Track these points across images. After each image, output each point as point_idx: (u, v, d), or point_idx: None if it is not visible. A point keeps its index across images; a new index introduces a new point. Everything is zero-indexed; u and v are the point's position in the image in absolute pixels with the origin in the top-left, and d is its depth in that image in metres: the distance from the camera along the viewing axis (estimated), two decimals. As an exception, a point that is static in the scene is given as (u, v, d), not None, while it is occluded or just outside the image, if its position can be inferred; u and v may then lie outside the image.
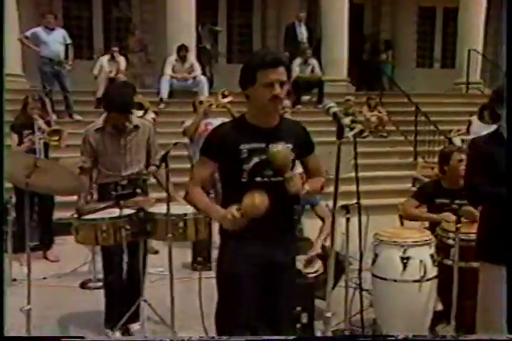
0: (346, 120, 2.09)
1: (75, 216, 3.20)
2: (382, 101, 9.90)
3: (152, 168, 3.49)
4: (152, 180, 3.76)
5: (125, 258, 3.19)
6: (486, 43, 11.79)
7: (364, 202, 7.31)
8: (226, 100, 5.48)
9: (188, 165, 5.00)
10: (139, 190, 3.46)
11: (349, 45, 10.46)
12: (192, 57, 9.34)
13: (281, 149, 2.31)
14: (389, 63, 12.30)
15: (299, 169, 2.67)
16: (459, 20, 11.36)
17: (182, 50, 9.09)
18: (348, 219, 3.34)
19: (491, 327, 2.82)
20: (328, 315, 2.12)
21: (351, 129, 2.07)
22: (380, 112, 9.44)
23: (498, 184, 2.67)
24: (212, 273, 2.61)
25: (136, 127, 3.60)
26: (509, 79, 2.71)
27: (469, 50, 10.83)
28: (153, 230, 3.14)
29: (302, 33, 10.33)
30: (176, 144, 3.14)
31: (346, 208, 3.40)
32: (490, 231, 2.83)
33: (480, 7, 10.97)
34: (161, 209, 3.19)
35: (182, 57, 9.19)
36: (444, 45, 13.54)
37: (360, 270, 3.11)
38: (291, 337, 2.05)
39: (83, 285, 4.65)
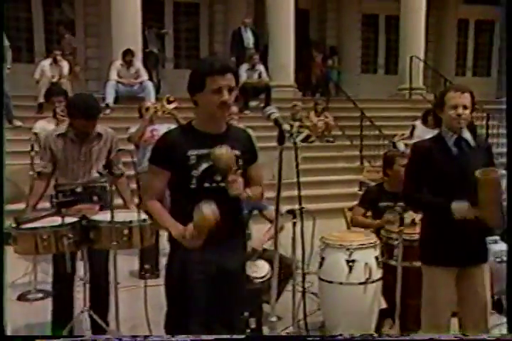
0: (287, 126, 2.10)
1: (13, 225, 3.09)
2: (329, 107, 10.03)
3: (95, 175, 3.41)
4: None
5: (68, 266, 3.10)
6: (427, 50, 12.16)
7: (311, 206, 7.38)
8: (171, 106, 5.42)
9: (133, 172, 4.93)
10: (95, 198, 3.43)
11: (295, 50, 10.58)
12: (138, 62, 9.21)
13: (224, 151, 2.32)
14: (335, 69, 12.51)
15: None
16: (401, 28, 11.66)
17: (128, 54, 8.93)
18: (294, 224, 3.38)
19: (435, 326, 2.89)
20: (273, 319, 2.12)
21: (291, 135, 2.08)
22: (326, 117, 9.56)
23: (437, 188, 2.77)
24: (161, 281, 2.58)
25: (99, 135, 3.55)
26: (509, 79, 2.78)
27: (411, 57, 11.12)
28: (97, 238, 3.07)
29: (249, 38, 10.37)
30: (119, 151, 3.08)
31: (292, 213, 3.44)
32: (429, 235, 2.92)
33: (420, 15, 11.28)
34: (105, 216, 3.12)
35: (128, 62, 9.03)
36: (388, 52, 13.89)
37: (303, 274, 3.14)
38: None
39: (21, 298, 4.46)
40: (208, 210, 2.19)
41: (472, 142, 2.83)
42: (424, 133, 7.98)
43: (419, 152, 2.90)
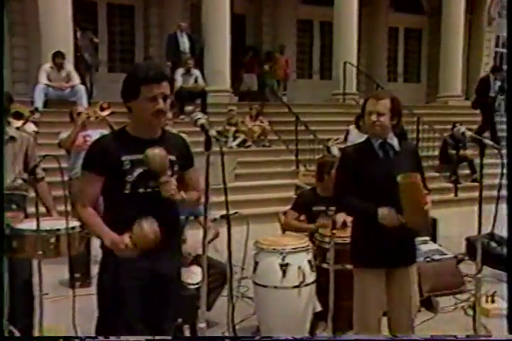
0: (214, 132, 2.10)
1: None
2: (265, 112, 10.10)
3: (18, 182, 3.27)
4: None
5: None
6: (360, 56, 12.46)
7: (248, 211, 7.43)
8: (105, 113, 5.30)
9: (59, 179, 4.77)
10: (14, 206, 3.24)
11: (231, 55, 10.60)
12: (69, 64, 8.93)
13: (157, 152, 2.31)
14: (271, 74, 12.58)
15: None
16: (334, 34, 11.89)
17: (58, 56, 8.62)
18: (228, 229, 3.37)
19: (366, 325, 2.95)
20: (202, 326, 2.10)
21: (217, 140, 2.08)
22: (262, 122, 9.63)
23: (366, 192, 2.83)
24: (93, 290, 2.50)
25: (12, 138, 3.37)
26: (509, 80, 2.82)
27: (345, 63, 11.36)
28: (21, 247, 2.93)
29: (184, 43, 10.31)
30: (45, 157, 2.97)
31: (227, 218, 3.43)
32: (359, 237, 3.01)
33: (352, 22, 11.55)
34: (30, 225, 2.99)
35: (58, 65, 8.71)
36: (322, 57, 14.14)
37: (230, 278, 3.11)
38: None
39: None
40: (150, 229, 2.20)
41: (397, 146, 2.91)
42: (357, 137, 8.16)
43: (347, 156, 2.98)
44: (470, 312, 4.00)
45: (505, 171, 2.55)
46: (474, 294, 2.72)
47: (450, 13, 12.72)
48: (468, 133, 2.68)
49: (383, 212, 2.75)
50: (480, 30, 14.96)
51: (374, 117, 2.83)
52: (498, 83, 11.18)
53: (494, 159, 2.99)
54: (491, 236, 5.93)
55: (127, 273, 2.36)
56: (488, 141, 2.57)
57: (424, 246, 4.93)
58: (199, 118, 2.17)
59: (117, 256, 2.33)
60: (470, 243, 5.54)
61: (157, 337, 2.34)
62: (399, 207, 2.73)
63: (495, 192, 2.72)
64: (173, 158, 2.42)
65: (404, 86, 14.74)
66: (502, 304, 4.23)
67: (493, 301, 4.23)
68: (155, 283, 2.44)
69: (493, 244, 5.84)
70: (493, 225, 2.53)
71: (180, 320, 3.20)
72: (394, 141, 2.92)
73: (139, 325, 2.41)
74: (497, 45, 15.62)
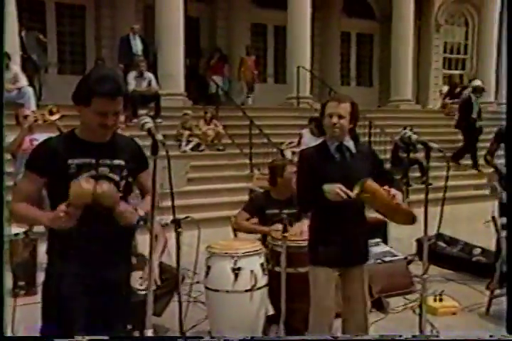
0: (160, 136, 2.07)
1: None
2: (219, 115, 10.08)
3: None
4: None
5: None
6: (313, 60, 12.60)
7: (201, 215, 7.38)
8: (54, 117, 5.17)
9: (11, 183, 4.65)
10: None
11: (185, 59, 10.54)
12: (16, 66, 8.66)
13: (106, 189, 2.20)
14: (226, 78, 12.58)
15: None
16: (288, 38, 11.96)
17: (3, 58, 8.40)
18: (179, 233, 3.34)
19: (320, 325, 2.98)
20: (150, 334, 2.07)
21: (163, 144, 2.06)
22: (216, 126, 9.61)
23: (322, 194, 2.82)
24: (38, 298, 2.43)
25: None
26: (509, 80, 2.82)
27: (298, 67, 11.45)
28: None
29: (137, 45, 10.19)
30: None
31: (178, 222, 3.40)
32: (314, 237, 3.06)
33: (305, 26, 11.64)
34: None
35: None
36: (276, 61, 14.23)
37: (176, 283, 3.10)
38: None
39: None
40: (85, 182, 2.13)
41: (353, 149, 2.96)
42: (310, 140, 8.27)
43: (304, 159, 3.02)
44: (419, 311, 4.07)
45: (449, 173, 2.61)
46: (420, 294, 2.75)
47: (400, 20, 13.00)
48: (414, 137, 2.74)
49: (332, 185, 2.76)
50: (429, 36, 15.38)
51: (335, 119, 2.87)
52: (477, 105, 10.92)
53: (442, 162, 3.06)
54: (440, 236, 6.09)
55: (74, 279, 2.30)
56: (434, 144, 2.62)
57: (376, 248, 5.00)
58: (146, 123, 2.14)
59: (63, 261, 2.28)
60: (420, 244, 5.65)
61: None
62: (356, 210, 2.87)
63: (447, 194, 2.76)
64: (121, 162, 2.36)
65: (357, 90, 14.98)
66: (450, 302, 4.36)
67: (441, 300, 4.33)
68: (102, 290, 2.38)
69: (442, 245, 5.99)
70: (439, 226, 2.58)
71: (130, 326, 3.14)
72: (350, 144, 2.97)
73: (84, 332, 2.34)
74: (445, 51, 16.07)
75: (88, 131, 2.34)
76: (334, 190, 2.73)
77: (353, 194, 2.70)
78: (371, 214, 3.14)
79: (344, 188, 2.73)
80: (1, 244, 2.55)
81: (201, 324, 3.83)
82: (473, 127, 10.77)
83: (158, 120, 9.52)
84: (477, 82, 11.65)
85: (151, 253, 2.09)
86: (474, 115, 10.83)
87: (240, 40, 13.33)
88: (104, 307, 2.41)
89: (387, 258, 4.83)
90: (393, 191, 2.75)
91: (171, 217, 3.29)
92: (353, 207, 2.91)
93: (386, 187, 2.78)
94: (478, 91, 11.08)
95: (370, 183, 2.67)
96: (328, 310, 3.00)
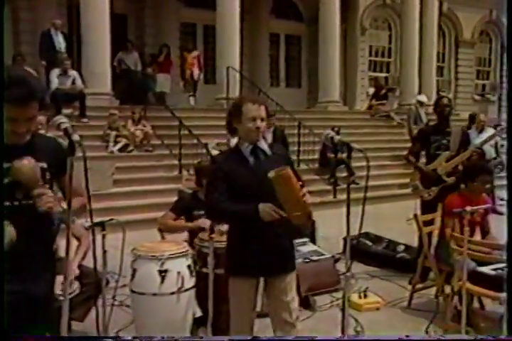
0: (77, 136, 1.99)
1: None
2: (148, 116, 9.92)
3: None
4: None
5: None
6: (242, 61, 12.62)
7: (129, 217, 7.23)
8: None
9: None
10: None
11: (112, 57, 10.30)
12: None
13: (26, 164, 2.11)
14: (155, 77, 12.37)
15: None
16: (217, 38, 11.90)
17: None
18: (104, 236, 3.26)
19: (239, 328, 2.94)
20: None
21: (80, 145, 1.98)
22: (144, 126, 9.44)
23: (239, 199, 2.75)
24: None
25: None
26: (510, 80, 2.77)
27: (228, 67, 11.45)
28: None
29: (60, 42, 9.82)
30: None
31: (102, 225, 3.31)
32: (233, 246, 2.95)
33: (234, 27, 11.62)
34: None
35: None
36: (206, 61, 14.11)
37: (102, 287, 3.02)
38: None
39: None
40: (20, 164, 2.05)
41: (268, 151, 2.87)
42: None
43: (218, 165, 2.90)
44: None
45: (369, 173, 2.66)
46: (343, 290, 2.80)
47: (326, 22, 13.26)
48: (337, 138, 2.75)
49: (264, 208, 2.65)
50: (354, 39, 15.79)
51: (259, 123, 2.78)
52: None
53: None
54: (366, 235, 6.26)
55: None
56: (355, 145, 2.66)
57: (303, 247, 5.07)
58: (62, 123, 2.05)
59: None
60: (346, 243, 5.77)
61: None
62: (279, 219, 2.67)
63: (371, 193, 2.81)
64: (43, 165, 2.22)
65: (286, 91, 15.17)
66: (373, 298, 4.48)
67: (365, 296, 4.45)
68: (24, 298, 2.27)
69: (368, 243, 6.16)
70: (360, 225, 2.62)
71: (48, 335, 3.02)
72: (264, 146, 2.88)
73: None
74: (370, 54, 16.55)
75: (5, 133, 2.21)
76: (266, 211, 2.65)
77: (284, 214, 2.62)
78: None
79: (276, 208, 2.64)
80: (1, 244, 2.40)
81: (127, 328, 3.75)
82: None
83: (84, 120, 9.26)
84: (422, 97, 12.76)
85: (67, 257, 2.00)
86: (423, 122, 11.50)
87: (168, 40, 13.12)
88: (24, 313, 2.30)
89: (315, 257, 4.91)
90: (304, 190, 2.68)
91: (96, 220, 3.21)
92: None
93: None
94: (422, 104, 12.28)
95: (290, 171, 2.59)
96: (246, 315, 2.92)
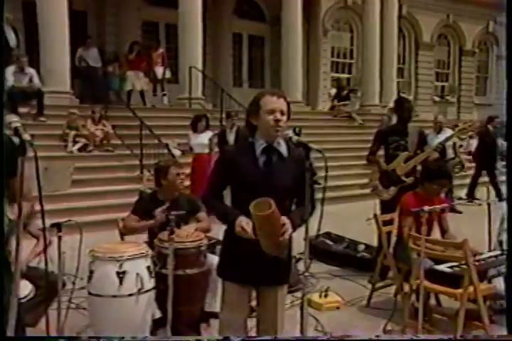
0: (27, 136, 1.94)
1: None
2: (109, 115, 9.76)
3: None
4: None
5: None
6: (205, 61, 12.56)
7: (89, 218, 7.11)
8: None
9: None
10: None
11: (71, 55, 10.10)
12: None
13: None
14: (116, 76, 12.21)
15: None
16: (180, 38, 11.80)
17: None
18: (60, 238, 3.19)
19: (231, 328, 2.76)
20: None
21: (31, 145, 1.93)
22: (104, 126, 9.30)
23: (241, 198, 2.58)
24: None
25: None
26: (509, 80, 2.71)
27: (190, 67, 11.37)
28: None
29: (12, 38, 9.57)
30: None
31: (58, 226, 3.24)
32: (226, 251, 2.77)
33: (197, 26, 11.52)
34: None
35: None
36: (168, 61, 13.95)
37: (57, 290, 2.95)
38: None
39: None
40: None
41: (285, 153, 2.65)
42: (194, 139, 8.25)
43: (225, 157, 2.72)
44: (305, 308, 4.18)
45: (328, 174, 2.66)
46: (302, 290, 2.80)
47: (289, 23, 13.31)
48: (295, 138, 2.72)
49: (240, 223, 2.48)
50: (317, 40, 15.90)
51: (278, 115, 2.55)
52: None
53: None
54: (327, 235, 6.31)
55: None
56: (313, 145, 2.66)
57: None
58: (12, 122, 1.99)
59: None
60: (308, 243, 5.80)
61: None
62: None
63: (333, 193, 2.80)
64: None
65: (249, 91, 15.12)
66: (334, 298, 4.51)
67: (326, 296, 4.48)
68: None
69: (329, 243, 6.21)
70: (319, 225, 2.63)
71: None
72: (282, 146, 2.65)
73: None
74: (333, 55, 16.71)
75: None
76: (239, 230, 2.49)
77: (254, 237, 2.45)
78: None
79: (246, 227, 2.46)
80: (1, 244, 2.30)
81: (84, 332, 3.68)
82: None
83: (42, 118, 9.06)
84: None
85: (16, 261, 1.94)
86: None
87: (130, 38, 12.92)
88: None
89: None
90: (287, 226, 2.49)
91: (53, 221, 3.14)
92: None
93: (284, 218, 2.50)
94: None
95: (273, 212, 2.33)
96: (239, 318, 2.74)
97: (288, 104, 2.63)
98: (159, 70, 11.99)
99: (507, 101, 2.72)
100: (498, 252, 4.11)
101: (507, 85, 2.70)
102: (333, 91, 14.95)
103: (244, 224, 2.48)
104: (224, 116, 9.27)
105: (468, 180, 10.43)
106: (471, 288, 3.51)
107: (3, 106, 1.99)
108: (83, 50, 11.40)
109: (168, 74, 12.14)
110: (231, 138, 8.11)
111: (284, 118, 2.58)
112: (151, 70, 11.95)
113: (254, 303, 2.86)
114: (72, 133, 8.85)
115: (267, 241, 2.46)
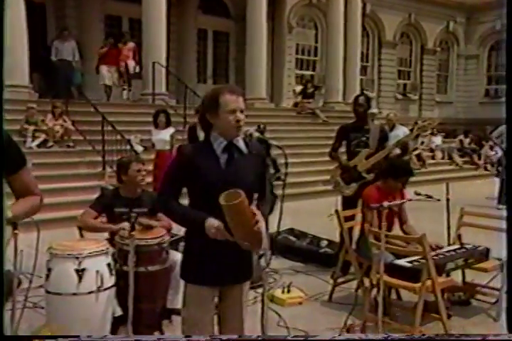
0: None
1: None
2: (70, 110, 9.59)
3: None
4: None
5: None
6: (169, 57, 12.44)
7: (48, 215, 6.96)
8: None
9: None
10: None
11: (30, 48, 9.87)
12: None
13: None
14: (78, 70, 11.98)
15: None
16: (143, 33, 11.66)
17: None
18: (15, 235, 3.11)
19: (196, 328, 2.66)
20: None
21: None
22: (65, 121, 9.12)
23: (201, 197, 2.50)
24: None
25: None
26: (509, 79, 2.65)
27: (154, 63, 11.25)
28: None
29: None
30: None
31: (14, 224, 3.17)
32: (189, 252, 2.66)
33: (161, 21, 11.44)
34: None
35: None
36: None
37: (12, 289, 2.87)
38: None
39: None
40: None
41: (244, 149, 2.57)
42: (156, 135, 8.17)
43: (182, 156, 2.57)
44: (268, 304, 4.19)
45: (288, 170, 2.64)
46: (263, 286, 2.80)
47: (253, 20, 13.31)
48: (255, 135, 2.70)
49: (211, 224, 2.39)
50: (282, 37, 15.95)
51: (240, 115, 2.47)
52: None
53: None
54: (291, 231, 6.34)
55: None
56: (273, 142, 2.65)
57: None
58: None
59: None
60: (271, 239, 5.81)
61: None
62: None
63: (295, 190, 2.80)
64: None
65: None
66: (296, 293, 4.54)
67: (288, 291, 4.50)
68: None
69: (292, 239, 6.24)
70: (279, 222, 2.61)
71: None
72: (240, 143, 2.57)
73: None
74: (297, 52, 16.78)
75: None
76: (212, 231, 2.39)
77: (232, 238, 2.37)
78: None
79: (223, 232, 2.37)
80: (1, 243, 2.22)
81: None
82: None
83: None
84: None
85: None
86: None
87: (92, 32, 12.75)
88: None
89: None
90: (258, 216, 2.39)
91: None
92: None
93: (254, 208, 2.43)
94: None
95: (243, 201, 2.27)
96: (202, 318, 2.63)
97: (244, 100, 2.57)
98: (131, 64, 11.86)
99: (507, 101, 2.66)
100: (457, 246, 4.21)
101: (507, 85, 2.66)
102: (299, 88, 15.02)
103: (217, 224, 2.40)
104: (191, 112, 9.16)
105: (428, 177, 10.63)
106: (429, 282, 3.57)
107: (2, 106, 1.92)
108: (59, 42, 11.21)
109: (137, 69, 12.02)
110: (201, 134, 8.02)
111: (244, 116, 2.51)
112: (119, 64, 11.80)
113: (216, 300, 2.85)
114: (31, 128, 8.66)
115: (241, 232, 2.37)
